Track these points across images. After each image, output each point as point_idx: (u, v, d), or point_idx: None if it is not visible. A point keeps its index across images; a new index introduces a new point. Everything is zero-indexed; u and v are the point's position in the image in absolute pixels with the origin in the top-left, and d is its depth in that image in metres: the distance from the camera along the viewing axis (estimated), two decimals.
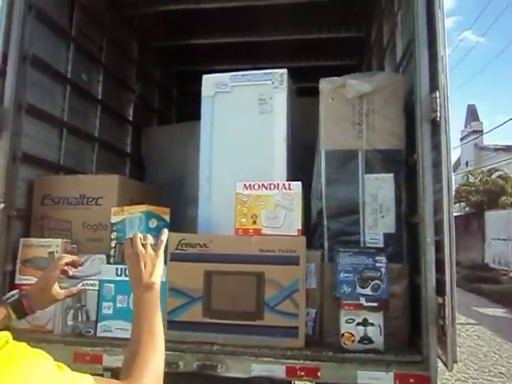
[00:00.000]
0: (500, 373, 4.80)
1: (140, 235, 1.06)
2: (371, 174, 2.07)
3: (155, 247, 1.05)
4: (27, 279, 2.05)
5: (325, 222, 2.07)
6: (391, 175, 2.06)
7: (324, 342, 1.96)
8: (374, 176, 2.07)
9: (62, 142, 2.73)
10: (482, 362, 5.19)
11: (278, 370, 1.81)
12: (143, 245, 1.04)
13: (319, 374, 1.79)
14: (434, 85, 1.88)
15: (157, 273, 1.00)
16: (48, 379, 0.60)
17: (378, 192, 2.05)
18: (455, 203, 21.52)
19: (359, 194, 2.06)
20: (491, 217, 16.91)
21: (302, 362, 1.81)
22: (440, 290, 1.78)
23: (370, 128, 2.07)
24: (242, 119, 2.36)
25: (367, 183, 2.07)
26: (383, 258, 1.88)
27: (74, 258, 1.27)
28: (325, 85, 2.17)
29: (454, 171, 27.67)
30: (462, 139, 28.13)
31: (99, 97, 3.15)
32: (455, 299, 1.74)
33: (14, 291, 1.19)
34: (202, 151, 2.36)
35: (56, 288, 1.20)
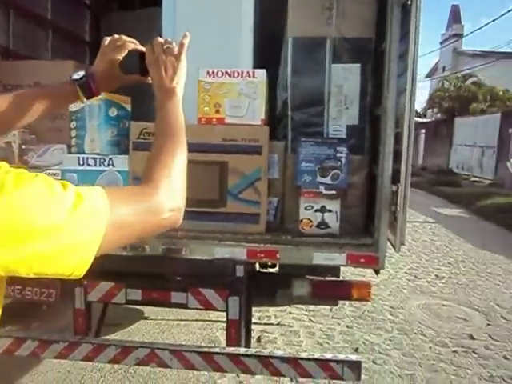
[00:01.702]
0: (448, 263, 5.29)
1: (161, 40, 1.01)
2: (338, 64, 2.01)
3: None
4: None
5: (289, 112, 2.04)
6: (358, 65, 2.01)
7: (285, 228, 2.06)
8: (341, 66, 2.01)
9: (9, 25, 2.50)
10: (433, 254, 5.67)
11: (240, 253, 1.92)
12: (164, 50, 0.99)
13: (278, 255, 1.92)
14: None
15: (178, 78, 0.98)
16: (46, 202, 0.57)
17: (344, 83, 2.01)
18: (428, 109, 21.77)
19: (325, 85, 2.02)
20: (460, 123, 17.23)
21: (262, 245, 1.92)
22: (395, 179, 1.85)
23: (340, 13, 1.97)
24: (207, 5, 2.20)
25: (334, 73, 2.01)
26: (344, 149, 1.91)
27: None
28: None
29: (430, 76, 27.52)
30: (441, 43, 27.42)
31: None
32: (408, 187, 1.83)
33: (80, 72, 1.10)
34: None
35: (119, 72, 1.11)
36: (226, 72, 1.91)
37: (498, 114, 14.96)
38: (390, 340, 3.17)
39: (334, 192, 1.91)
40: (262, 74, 1.92)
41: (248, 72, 1.92)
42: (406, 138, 1.80)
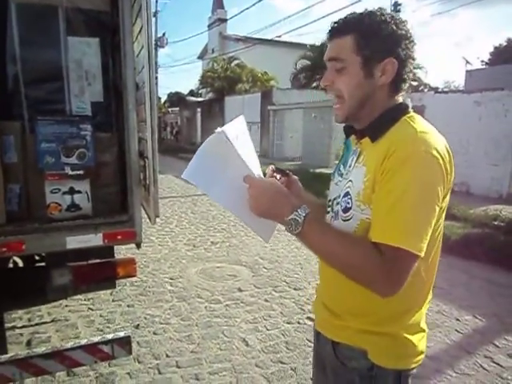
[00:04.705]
0: (222, 229, 5.81)
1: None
2: (74, 37, 1.91)
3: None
4: None
5: (22, 88, 1.84)
6: (97, 40, 1.95)
7: (32, 215, 1.89)
8: (78, 39, 1.91)
9: None
10: (210, 223, 6.13)
11: None
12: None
13: (24, 247, 1.74)
14: None
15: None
16: None
17: (83, 57, 1.92)
18: (202, 88, 22.99)
19: (62, 59, 1.89)
20: (230, 101, 18.84)
21: (2, 238, 1.72)
22: (142, 154, 1.90)
23: None
24: None
25: (70, 47, 1.90)
26: (88, 126, 1.84)
27: None
28: None
29: (202, 57, 28.93)
30: (209, 26, 29.15)
31: None
32: (156, 162, 1.90)
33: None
34: None
35: None
36: None
37: (258, 93, 16.96)
38: (169, 309, 3.32)
39: (81, 172, 1.83)
40: None
41: None
42: (148, 111, 1.84)
